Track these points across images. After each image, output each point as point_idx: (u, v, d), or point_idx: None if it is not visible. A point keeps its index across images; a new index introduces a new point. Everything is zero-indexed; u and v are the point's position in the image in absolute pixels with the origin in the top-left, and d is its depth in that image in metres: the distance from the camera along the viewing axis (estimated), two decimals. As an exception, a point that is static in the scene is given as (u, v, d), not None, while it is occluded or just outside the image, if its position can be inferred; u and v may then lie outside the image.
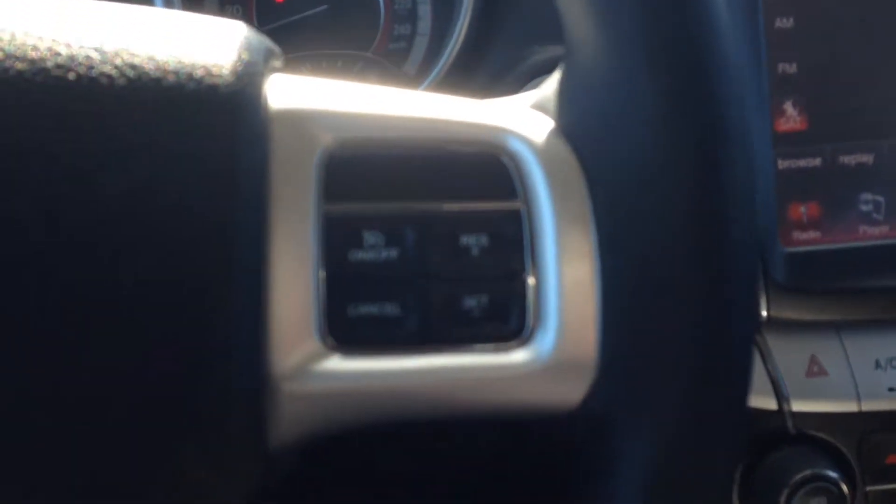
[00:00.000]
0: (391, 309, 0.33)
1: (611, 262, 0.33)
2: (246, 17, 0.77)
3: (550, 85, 0.38)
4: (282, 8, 0.77)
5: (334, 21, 0.77)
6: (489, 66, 0.73)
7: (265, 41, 0.35)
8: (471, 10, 0.73)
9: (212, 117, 0.31)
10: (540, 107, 0.37)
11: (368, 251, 0.33)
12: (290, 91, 0.35)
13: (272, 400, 0.32)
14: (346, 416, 0.34)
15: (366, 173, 0.34)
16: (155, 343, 0.30)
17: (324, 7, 0.76)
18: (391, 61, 0.78)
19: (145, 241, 0.30)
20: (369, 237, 0.33)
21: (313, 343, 0.32)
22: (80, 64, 0.31)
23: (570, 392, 0.34)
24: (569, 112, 0.36)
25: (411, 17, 0.78)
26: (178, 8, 0.72)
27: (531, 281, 0.34)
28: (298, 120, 0.34)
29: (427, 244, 0.33)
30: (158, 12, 0.35)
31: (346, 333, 0.32)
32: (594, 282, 0.33)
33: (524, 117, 0.36)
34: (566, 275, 0.33)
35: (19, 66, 0.30)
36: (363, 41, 0.78)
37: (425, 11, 0.78)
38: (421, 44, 0.78)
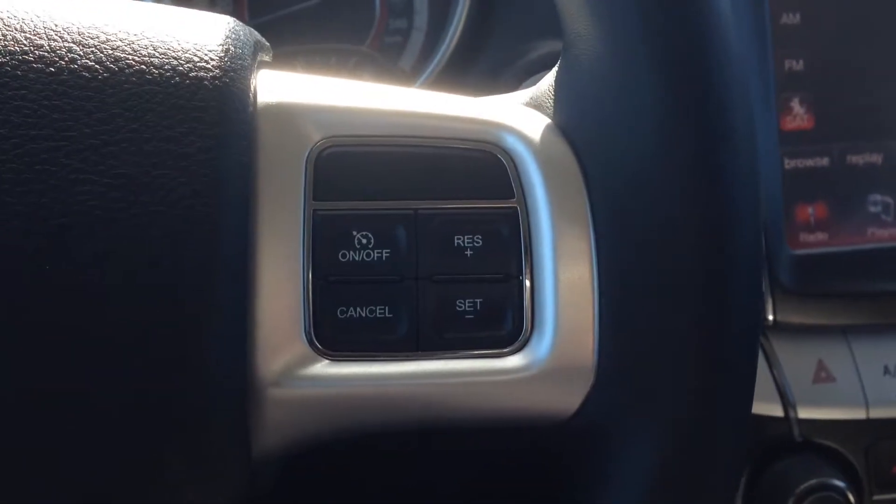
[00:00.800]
0: (381, 312, 0.32)
1: (609, 263, 0.32)
2: (237, 11, 0.76)
3: (547, 81, 0.37)
4: (274, 0, 0.76)
5: (328, 14, 0.76)
6: (486, 61, 0.72)
7: (254, 34, 0.34)
8: (468, 4, 0.72)
9: (196, 112, 0.30)
10: (536, 103, 0.37)
11: (359, 252, 0.32)
12: (278, 86, 0.34)
13: (256, 405, 0.31)
14: (334, 422, 0.33)
15: (356, 171, 0.33)
16: (135, 345, 0.29)
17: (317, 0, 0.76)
18: (386, 56, 0.77)
19: (126, 240, 0.29)
20: (360, 237, 0.32)
21: (300, 347, 0.31)
22: (61, 57, 0.30)
23: (568, 398, 0.33)
24: (566, 108, 0.35)
25: (407, 10, 0.77)
26: (168, 2, 0.72)
27: (527, 283, 0.33)
28: (287, 116, 0.33)
29: (419, 245, 0.33)
30: (144, 5, 0.34)
31: (334, 337, 0.32)
32: (592, 284, 0.33)
33: (520, 114, 0.35)
34: (563, 277, 0.33)
35: None
36: (358, 35, 0.77)
37: (422, 4, 0.77)
38: (417, 38, 0.77)
